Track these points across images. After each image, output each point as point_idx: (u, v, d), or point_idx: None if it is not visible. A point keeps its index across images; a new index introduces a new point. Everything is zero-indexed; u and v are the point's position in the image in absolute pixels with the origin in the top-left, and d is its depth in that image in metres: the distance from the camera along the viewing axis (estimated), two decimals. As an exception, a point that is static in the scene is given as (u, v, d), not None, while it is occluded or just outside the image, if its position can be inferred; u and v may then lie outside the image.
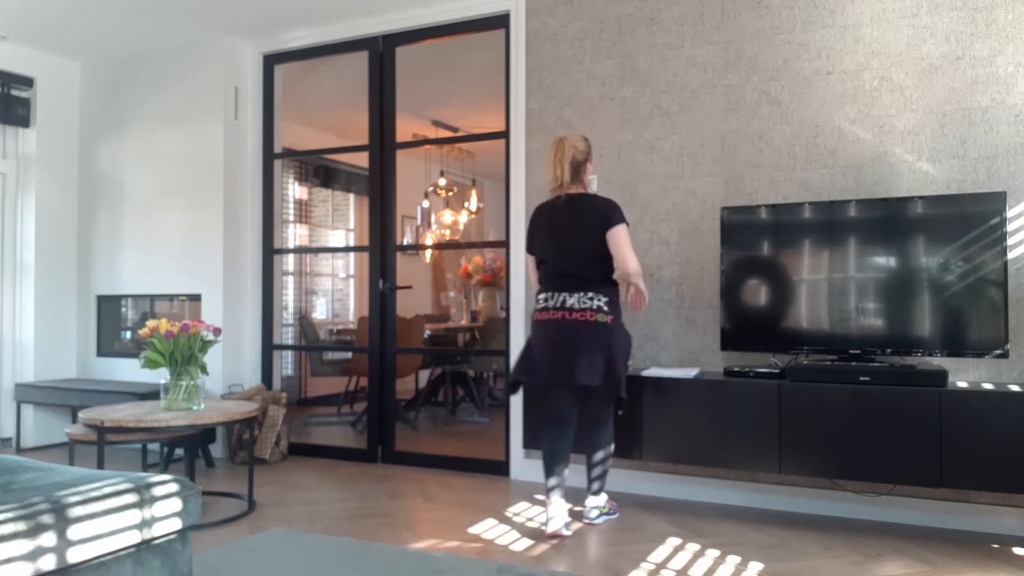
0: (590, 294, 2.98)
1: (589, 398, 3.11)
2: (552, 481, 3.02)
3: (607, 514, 3.18)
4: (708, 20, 3.60)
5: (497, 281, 6.11)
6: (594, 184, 3.81)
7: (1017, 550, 2.79)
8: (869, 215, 3.07)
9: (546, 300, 3.05)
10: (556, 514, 2.97)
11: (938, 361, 3.13)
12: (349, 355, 5.90)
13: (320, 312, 7.25)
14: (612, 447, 3.17)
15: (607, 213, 3.00)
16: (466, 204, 7.48)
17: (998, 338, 2.86)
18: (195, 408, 3.34)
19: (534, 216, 3.19)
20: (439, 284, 8.20)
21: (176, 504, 1.83)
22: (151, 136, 4.92)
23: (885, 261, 3.04)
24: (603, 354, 2.95)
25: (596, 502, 3.15)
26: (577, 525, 3.12)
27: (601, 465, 3.14)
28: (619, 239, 2.98)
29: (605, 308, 2.98)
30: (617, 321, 3.02)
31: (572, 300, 2.98)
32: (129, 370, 4.97)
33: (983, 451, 2.71)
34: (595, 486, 3.15)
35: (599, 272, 3.02)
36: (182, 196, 4.79)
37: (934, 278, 2.96)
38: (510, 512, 3.34)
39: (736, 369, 3.27)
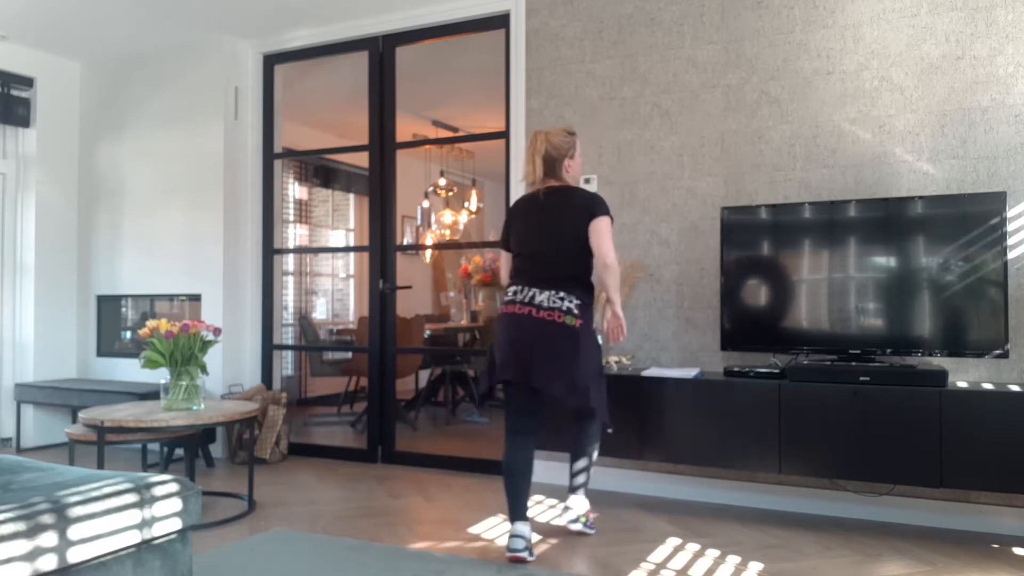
0: (561, 294, 2.75)
1: (556, 403, 2.95)
2: (514, 502, 2.75)
3: (584, 524, 2.98)
4: (708, 20, 3.60)
5: (497, 281, 6.11)
6: (593, 184, 3.82)
7: (1017, 550, 2.79)
8: (869, 215, 3.07)
9: (515, 293, 2.81)
10: (518, 533, 2.70)
11: (938, 361, 3.13)
12: (349, 355, 5.90)
13: (320, 312, 7.25)
14: (597, 448, 3.03)
15: (590, 205, 2.78)
16: (466, 204, 7.48)
17: (998, 338, 2.86)
18: (195, 408, 3.34)
19: (511, 210, 2.98)
20: (439, 284, 8.20)
21: (176, 504, 1.83)
22: (151, 136, 4.92)
23: (885, 261, 3.04)
24: (566, 360, 2.70)
25: (578, 504, 2.99)
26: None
27: (587, 470, 3.00)
28: (601, 229, 2.76)
29: (575, 311, 2.74)
30: (586, 327, 2.77)
31: (542, 297, 2.75)
32: (129, 370, 4.97)
33: (983, 451, 2.71)
34: (578, 483, 3.01)
35: (574, 271, 2.79)
36: (182, 196, 4.79)
37: (934, 278, 2.96)
38: (510, 512, 3.34)
39: (736, 369, 3.27)
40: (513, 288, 2.85)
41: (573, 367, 2.71)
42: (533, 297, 2.77)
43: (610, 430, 3.19)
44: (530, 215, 2.88)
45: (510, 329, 2.78)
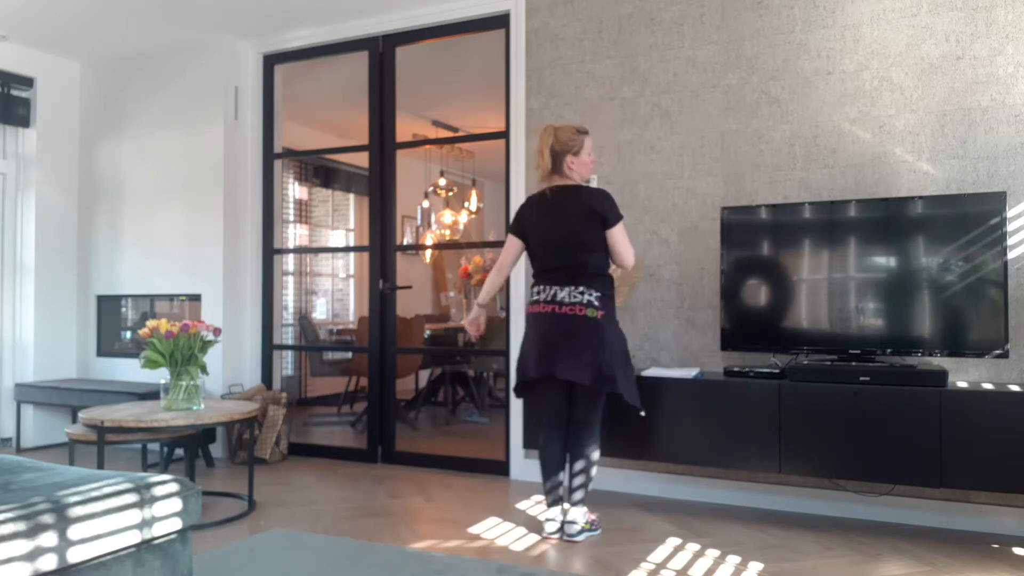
0: (580, 288, 2.90)
1: (577, 397, 2.98)
2: (548, 485, 3.00)
3: (589, 530, 2.97)
4: (708, 20, 3.60)
5: (497, 281, 6.09)
6: (593, 184, 3.80)
7: (1017, 550, 2.79)
8: (869, 215, 3.07)
9: (538, 293, 2.99)
10: (554, 517, 2.96)
11: (938, 361, 3.13)
12: (349, 355, 5.89)
13: (320, 312, 7.25)
14: (597, 454, 2.99)
15: (604, 209, 2.92)
16: (466, 204, 7.48)
17: (998, 338, 2.86)
18: (195, 408, 3.34)
19: (525, 205, 3.09)
20: (439, 284, 8.20)
21: (176, 504, 1.83)
22: (151, 136, 4.92)
23: (885, 261, 3.04)
24: (591, 351, 2.84)
25: (577, 515, 2.94)
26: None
27: (584, 474, 2.96)
28: (618, 238, 2.94)
29: (596, 303, 2.88)
30: (608, 317, 2.91)
31: (563, 294, 2.91)
32: (129, 370, 4.97)
33: (983, 451, 2.71)
34: (576, 495, 2.96)
35: (591, 266, 2.92)
36: (182, 196, 4.79)
37: (934, 278, 2.96)
38: (510, 512, 3.34)
39: (736, 369, 3.27)
40: (536, 288, 3.03)
41: (598, 356, 2.85)
42: (555, 295, 2.94)
43: (643, 413, 3.15)
44: (541, 214, 3.03)
45: (537, 329, 2.98)
